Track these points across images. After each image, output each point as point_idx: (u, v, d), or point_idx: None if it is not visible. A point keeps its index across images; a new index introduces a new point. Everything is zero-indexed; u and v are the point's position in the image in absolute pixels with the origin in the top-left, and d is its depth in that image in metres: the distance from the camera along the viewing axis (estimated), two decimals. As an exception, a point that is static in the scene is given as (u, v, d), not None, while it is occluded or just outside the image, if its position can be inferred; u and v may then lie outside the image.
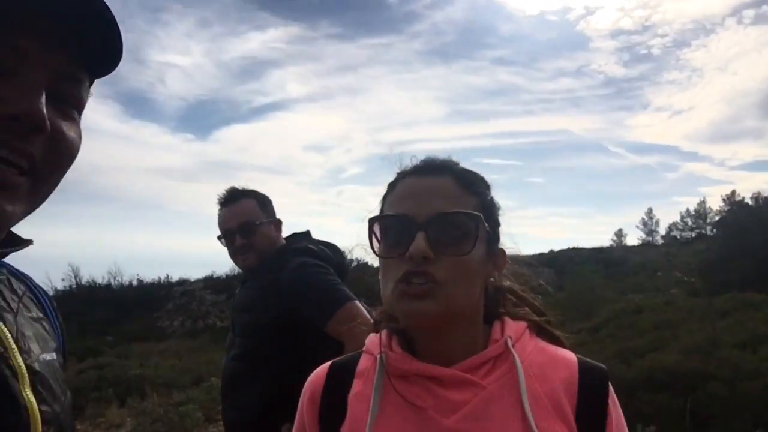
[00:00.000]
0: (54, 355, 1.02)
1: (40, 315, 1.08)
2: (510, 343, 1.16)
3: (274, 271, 2.67)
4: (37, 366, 0.93)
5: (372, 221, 1.18)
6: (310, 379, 1.28)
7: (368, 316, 2.22)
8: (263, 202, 2.85)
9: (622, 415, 1.16)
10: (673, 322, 13.11)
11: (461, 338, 1.16)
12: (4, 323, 0.90)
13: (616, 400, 1.16)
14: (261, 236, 2.78)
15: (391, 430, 1.10)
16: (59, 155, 0.88)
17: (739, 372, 8.20)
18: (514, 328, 1.21)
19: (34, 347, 0.96)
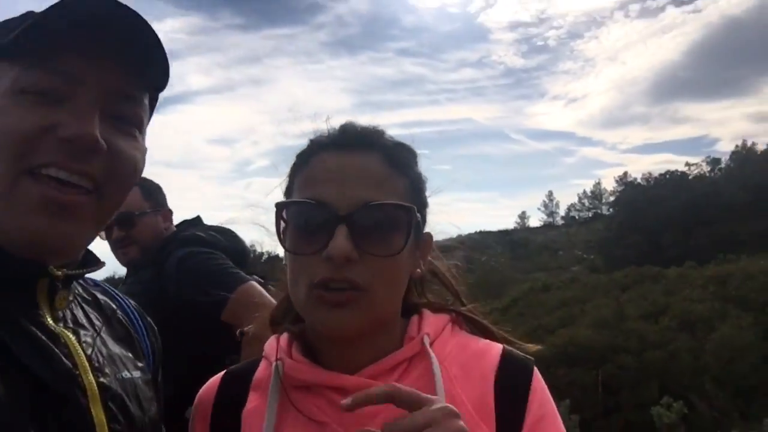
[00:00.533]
0: (137, 374, 1.04)
1: (130, 333, 1.10)
2: (427, 342, 1.03)
3: (158, 264, 2.40)
4: (111, 384, 0.95)
5: (281, 206, 1.02)
6: (200, 393, 1.14)
7: (270, 298, 2.03)
8: (149, 191, 2.59)
9: (548, 404, 1.03)
10: (579, 298, 13.61)
11: (374, 339, 1.02)
12: (79, 341, 0.94)
13: (544, 392, 1.04)
14: (143, 227, 2.53)
15: None
16: (120, 173, 0.92)
17: (645, 342, 8.55)
18: (433, 323, 1.08)
19: (111, 366, 0.98)
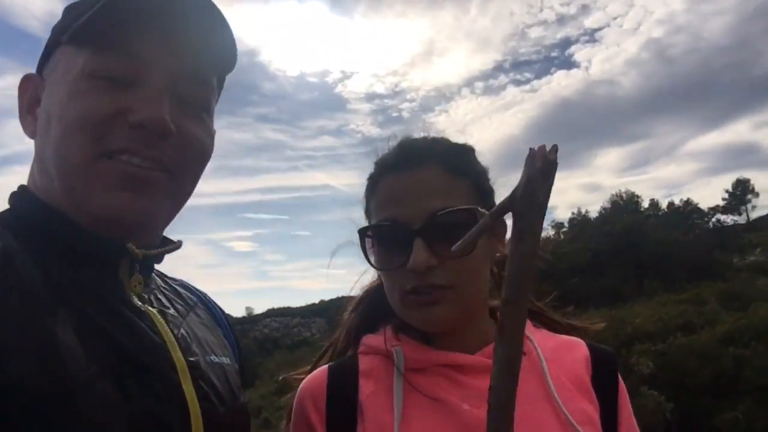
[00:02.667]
0: (226, 360, 1.08)
1: (214, 323, 1.16)
2: (528, 330, 1.13)
3: None
4: (200, 364, 0.98)
5: (362, 233, 1.16)
6: (305, 386, 1.19)
7: None
8: None
9: (628, 399, 1.17)
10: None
11: (476, 328, 1.14)
12: (166, 320, 0.97)
13: (624, 387, 1.17)
14: None
15: (419, 428, 1.02)
16: (189, 154, 0.96)
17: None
18: None
19: (199, 347, 1.01)
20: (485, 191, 1.16)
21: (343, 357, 1.24)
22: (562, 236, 55.75)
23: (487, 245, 1.11)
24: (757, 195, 70.89)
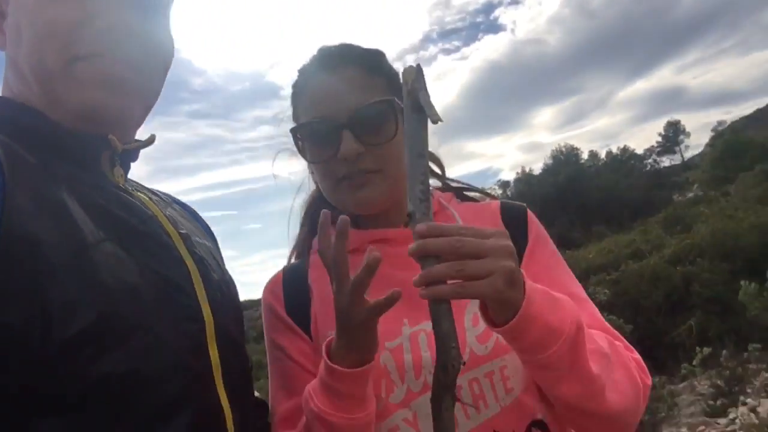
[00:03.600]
0: (210, 244, 1.22)
1: (192, 219, 1.28)
2: (444, 202, 1.35)
3: None
4: (190, 236, 1.09)
5: (295, 131, 1.29)
6: (266, 286, 1.38)
7: None
8: None
9: (542, 228, 1.36)
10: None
11: (398, 208, 1.25)
12: (150, 199, 1.09)
13: (536, 220, 1.36)
14: None
15: None
16: (154, 55, 1.08)
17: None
18: (442, 195, 1.38)
19: (183, 225, 1.11)
20: (398, 89, 1.23)
21: (296, 259, 1.45)
22: (508, 194, 57.09)
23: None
24: (688, 135, 74.00)
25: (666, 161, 70.17)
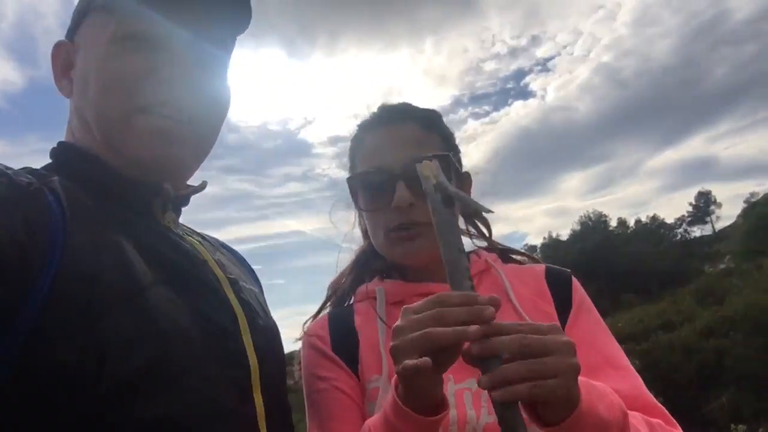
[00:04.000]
0: (256, 289, 1.24)
1: (239, 263, 1.33)
2: (491, 261, 1.37)
3: None
4: (237, 281, 1.11)
5: (351, 180, 1.34)
6: (310, 328, 1.36)
7: None
8: None
9: (585, 295, 1.35)
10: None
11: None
12: (202, 244, 1.13)
13: (580, 287, 1.35)
14: None
15: None
16: (209, 111, 1.11)
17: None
18: (488, 255, 1.40)
19: (231, 270, 1.14)
20: (453, 147, 1.38)
21: (340, 305, 1.43)
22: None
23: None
24: (719, 206, 72.95)
25: (696, 231, 69.16)
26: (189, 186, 1.18)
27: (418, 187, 1.12)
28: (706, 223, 71.77)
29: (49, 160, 1.05)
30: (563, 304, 1.28)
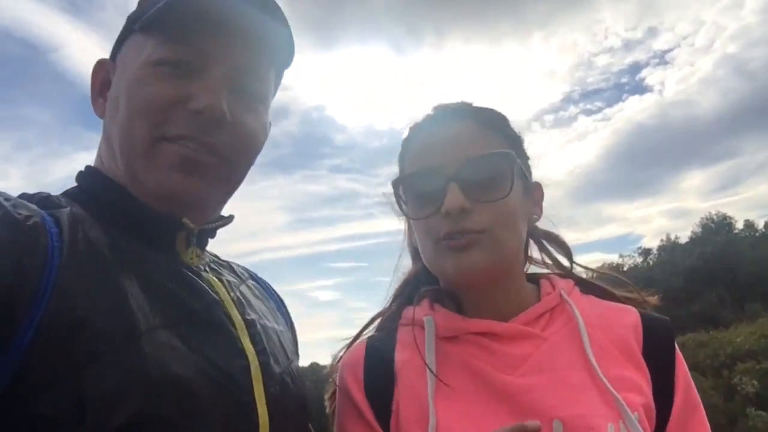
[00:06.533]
0: (280, 327, 1.15)
1: (265, 296, 1.24)
2: (565, 294, 1.13)
3: None
4: (257, 323, 1.04)
5: (396, 183, 1.15)
6: (344, 359, 1.20)
7: None
8: None
9: (689, 374, 1.11)
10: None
11: (511, 293, 1.12)
12: (222, 285, 1.05)
13: (683, 360, 1.11)
14: None
15: (452, 395, 1.02)
16: (242, 143, 1.02)
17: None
18: (563, 283, 1.17)
19: (252, 310, 1.07)
20: (520, 151, 1.16)
21: (383, 331, 1.24)
22: (649, 262, 53.35)
23: (523, 199, 1.12)
24: None
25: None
26: (220, 217, 1.12)
27: (472, 190, 1.03)
28: None
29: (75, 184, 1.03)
30: (663, 384, 1.05)
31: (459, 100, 1.19)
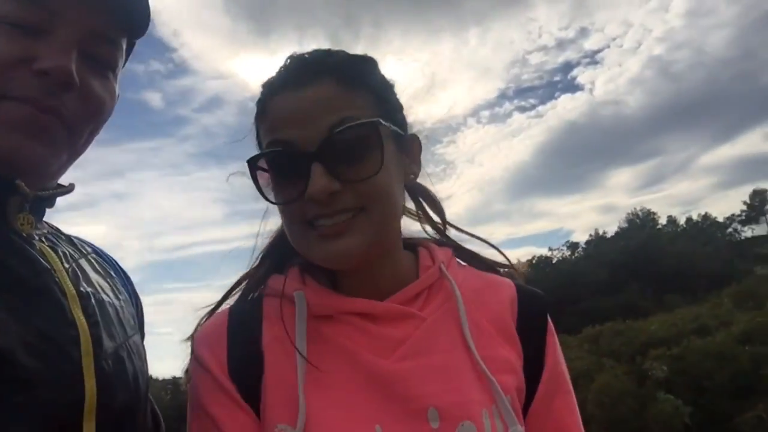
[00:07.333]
0: (118, 302, 1.09)
1: (107, 270, 1.17)
2: (444, 269, 1.06)
3: None
4: (92, 297, 0.98)
5: (252, 162, 0.99)
6: (204, 332, 1.05)
7: None
8: None
9: (561, 351, 1.10)
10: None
11: (389, 267, 1.03)
12: (56, 254, 0.99)
13: (555, 334, 1.10)
14: None
15: (325, 380, 0.94)
16: (89, 109, 0.97)
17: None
18: (442, 254, 1.09)
19: (90, 285, 1.02)
20: (390, 104, 1.03)
21: (246, 299, 1.10)
22: (576, 255, 55.28)
23: (398, 160, 1.01)
24: (775, 204, 69.89)
25: (747, 231, 66.42)
26: (58, 186, 1.05)
27: (339, 168, 0.92)
28: (760, 223, 68.89)
29: None
30: (532, 357, 1.03)
31: (318, 50, 1.04)
